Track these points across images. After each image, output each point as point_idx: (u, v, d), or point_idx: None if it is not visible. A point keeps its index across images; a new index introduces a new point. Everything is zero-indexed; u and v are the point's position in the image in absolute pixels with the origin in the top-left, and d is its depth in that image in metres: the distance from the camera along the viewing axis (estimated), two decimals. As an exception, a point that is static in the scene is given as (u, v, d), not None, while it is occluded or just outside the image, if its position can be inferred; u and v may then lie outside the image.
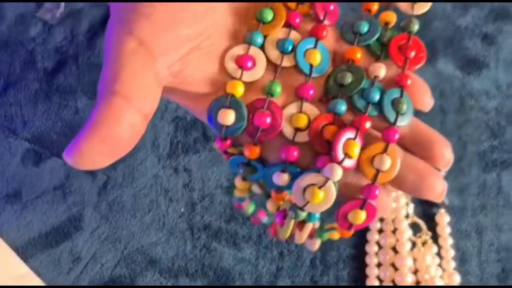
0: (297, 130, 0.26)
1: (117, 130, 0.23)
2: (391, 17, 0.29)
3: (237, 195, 0.29)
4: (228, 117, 0.26)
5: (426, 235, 0.43)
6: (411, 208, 0.43)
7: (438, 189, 0.26)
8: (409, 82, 0.27)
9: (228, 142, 0.27)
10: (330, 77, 0.27)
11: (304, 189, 0.25)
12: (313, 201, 0.25)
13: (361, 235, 0.43)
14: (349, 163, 0.25)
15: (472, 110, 0.45)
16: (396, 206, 0.43)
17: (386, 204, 0.27)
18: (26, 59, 0.47)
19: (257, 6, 0.28)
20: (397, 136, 0.26)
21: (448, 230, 0.43)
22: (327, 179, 0.25)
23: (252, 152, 0.26)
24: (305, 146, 0.26)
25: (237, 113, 0.26)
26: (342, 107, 0.26)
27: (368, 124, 0.26)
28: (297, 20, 0.27)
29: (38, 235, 0.44)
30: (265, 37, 0.27)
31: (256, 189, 0.29)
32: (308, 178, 0.25)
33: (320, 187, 0.25)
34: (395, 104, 0.26)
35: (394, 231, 0.43)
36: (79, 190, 0.44)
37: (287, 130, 0.26)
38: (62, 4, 0.47)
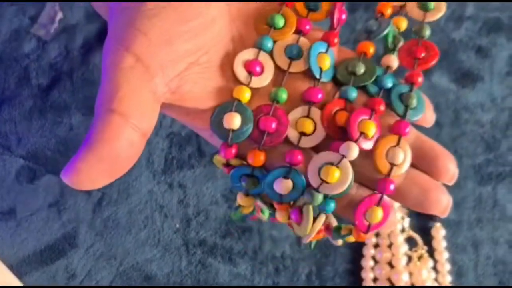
0: (302, 134, 0.26)
1: (115, 149, 0.23)
2: (402, 23, 0.29)
3: (245, 213, 0.29)
4: (234, 120, 0.26)
5: (422, 249, 0.43)
6: (406, 222, 0.43)
7: (442, 203, 0.26)
8: (420, 79, 0.27)
9: (233, 150, 0.26)
10: (340, 66, 0.27)
11: (320, 169, 0.25)
12: (328, 179, 0.25)
13: (357, 250, 0.43)
14: (365, 145, 0.25)
15: (467, 123, 0.45)
16: (392, 220, 0.43)
17: (392, 219, 0.27)
18: (20, 76, 0.46)
19: (261, 16, 0.28)
20: (407, 130, 0.25)
21: (444, 244, 0.43)
22: (343, 156, 0.25)
23: (256, 159, 0.26)
24: (309, 153, 0.26)
25: (243, 117, 0.26)
26: (353, 93, 0.26)
27: (382, 107, 0.26)
28: (307, 27, 0.28)
29: (33, 253, 0.44)
30: (274, 42, 0.28)
31: (260, 204, 0.28)
32: (324, 157, 0.25)
33: (336, 165, 0.25)
34: (404, 98, 0.26)
35: (390, 246, 0.43)
36: (74, 207, 0.44)
37: (292, 135, 0.26)
38: (57, 20, 0.47)
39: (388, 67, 0.27)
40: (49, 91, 0.46)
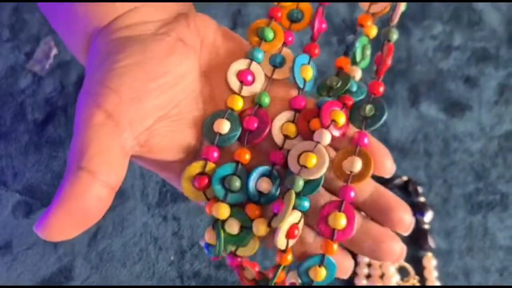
0: (286, 137, 0.29)
1: (84, 204, 0.24)
2: (373, 31, 0.31)
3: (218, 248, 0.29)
4: (223, 126, 0.28)
5: (414, 279, 0.43)
6: (398, 252, 0.44)
7: (395, 252, 0.27)
8: (381, 89, 0.29)
9: (215, 153, 0.28)
10: (321, 82, 0.30)
11: (299, 156, 0.27)
12: (307, 164, 0.27)
13: (349, 281, 0.43)
14: (335, 132, 0.28)
15: (457, 152, 0.46)
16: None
17: (347, 266, 0.28)
18: (16, 111, 0.47)
19: (252, 30, 0.30)
20: (366, 140, 0.28)
21: (435, 273, 0.43)
22: (317, 143, 0.27)
23: (242, 155, 0.28)
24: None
25: (232, 124, 0.28)
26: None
27: (351, 102, 0.29)
28: (290, 39, 0.31)
29: (30, 287, 0.44)
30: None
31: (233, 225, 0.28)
32: (301, 146, 0.28)
33: (312, 151, 0.27)
34: (362, 109, 0.29)
35: (382, 276, 0.43)
36: (70, 240, 0.45)
37: (278, 138, 0.29)
38: (52, 55, 0.48)
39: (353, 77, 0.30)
40: (45, 126, 0.47)
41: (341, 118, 0.28)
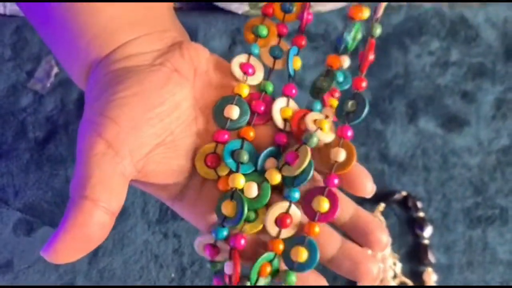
0: (285, 120, 0.31)
1: (87, 231, 0.26)
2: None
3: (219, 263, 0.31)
4: (233, 112, 0.30)
5: (414, 294, 0.43)
6: (398, 267, 0.44)
7: (372, 273, 0.29)
8: (364, 84, 0.31)
9: (226, 136, 0.30)
10: (313, 85, 0.32)
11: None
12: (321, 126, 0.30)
13: (350, 281, 0.43)
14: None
15: (455, 167, 0.46)
16: (383, 267, 0.43)
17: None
18: (17, 129, 0.48)
19: (248, 27, 0.33)
20: (349, 133, 0.30)
21: (436, 289, 0.43)
22: (304, 144, 0.30)
23: (247, 133, 0.30)
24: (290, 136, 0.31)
25: (241, 110, 0.31)
26: (318, 106, 0.32)
27: (338, 94, 0.32)
28: (285, 31, 0.33)
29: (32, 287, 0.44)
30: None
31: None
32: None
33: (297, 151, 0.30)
34: (345, 105, 0.31)
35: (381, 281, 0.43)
36: (70, 258, 0.45)
37: (278, 121, 0.31)
38: (53, 74, 0.48)
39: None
40: (46, 144, 0.47)
41: (326, 125, 0.30)
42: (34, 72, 0.49)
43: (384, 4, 0.32)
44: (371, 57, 0.31)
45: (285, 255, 0.29)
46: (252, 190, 0.29)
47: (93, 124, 0.27)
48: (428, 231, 0.44)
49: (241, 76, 0.32)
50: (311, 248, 0.28)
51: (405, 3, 0.50)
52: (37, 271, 0.45)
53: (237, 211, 0.29)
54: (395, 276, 0.44)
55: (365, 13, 0.32)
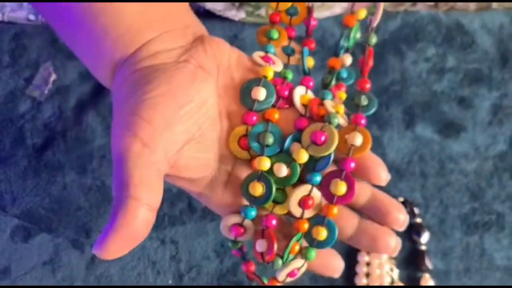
0: (305, 106, 0.33)
1: (134, 229, 0.28)
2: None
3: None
4: (260, 93, 0.32)
5: (412, 300, 0.43)
6: (395, 273, 0.44)
7: (391, 246, 0.32)
8: (368, 85, 0.33)
9: (254, 117, 0.32)
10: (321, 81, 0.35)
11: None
12: (317, 142, 0.31)
13: (350, 280, 0.44)
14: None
15: (452, 173, 0.46)
16: (380, 273, 0.43)
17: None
18: (15, 136, 0.48)
19: (261, 32, 0.35)
20: (363, 121, 0.32)
21: (433, 295, 0.43)
22: (328, 123, 0.32)
23: (272, 115, 0.32)
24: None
25: (267, 91, 0.32)
26: (329, 96, 0.33)
27: (343, 88, 0.34)
28: (293, 33, 0.36)
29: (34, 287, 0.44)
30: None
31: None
32: (314, 125, 0.32)
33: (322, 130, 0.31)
34: (356, 98, 0.33)
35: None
36: (68, 265, 0.45)
37: (300, 107, 0.33)
38: (51, 81, 0.48)
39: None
40: (43, 150, 0.47)
41: (341, 110, 0.33)
42: (32, 78, 0.49)
43: (379, 15, 0.34)
44: (371, 63, 0.34)
45: (307, 234, 0.31)
46: (282, 171, 0.31)
47: (128, 124, 0.29)
48: (425, 237, 0.44)
49: (263, 63, 0.33)
50: (330, 228, 0.31)
51: (402, 8, 0.50)
52: (35, 277, 0.45)
53: (265, 191, 0.31)
54: (392, 282, 0.44)
55: (361, 14, 0.34)
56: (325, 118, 0.32)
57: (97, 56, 0.32)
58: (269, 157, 0.31)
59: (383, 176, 0.32)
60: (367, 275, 0.44)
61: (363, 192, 0.32)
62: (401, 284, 0.44)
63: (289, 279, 0.32)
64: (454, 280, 0.44)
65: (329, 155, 0.31)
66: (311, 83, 0.34)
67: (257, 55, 0.34)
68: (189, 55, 0.31)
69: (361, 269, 0.44)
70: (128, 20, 0.31)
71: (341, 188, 0.30)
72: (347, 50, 0.35)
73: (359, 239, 0.32)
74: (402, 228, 0.32)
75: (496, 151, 0.47)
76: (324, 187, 0.31)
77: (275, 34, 0.35)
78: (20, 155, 0.47)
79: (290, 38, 0.36)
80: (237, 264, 0.44)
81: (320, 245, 0.31)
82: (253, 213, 0.31)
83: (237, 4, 0.48)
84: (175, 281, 0.45)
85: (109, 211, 0.45)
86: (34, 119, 0.48)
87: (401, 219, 0.32)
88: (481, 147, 0.47)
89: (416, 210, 0.45)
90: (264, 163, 0.31)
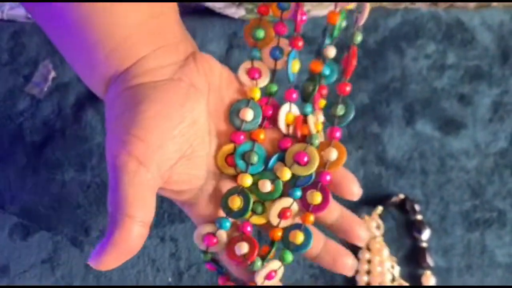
0: (288, 125, 0.34)
1: (129, 245, 0.30)
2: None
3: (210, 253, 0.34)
4: (248, 114, 0.34)
5: (413, 297, 0.43)
6: (396, 271, 0.44)
7: (347, 266, 0.34)
8: (348, 89, 0.34)
9: (242, 136, 0.34)
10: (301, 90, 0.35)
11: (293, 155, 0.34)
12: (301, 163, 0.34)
13: (350, 278, 0.43)
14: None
15: (453, 170, 0.46)
16: (381, 270, 0.43)
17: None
18: (14, 134, 0.48)
19: (247, 31, 0.35)
20: (338, 134, 0.34)
21: (434, 292, 0.43)
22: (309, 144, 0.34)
23: (258, 135, 0.34)
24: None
25: (254, 112, 0.34)
26: (309, 108, 0.34)
27: (325, 91, 0.35)
28: (284, 29, 0.34)
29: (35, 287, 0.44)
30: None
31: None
32: (296, 147, 0.34)
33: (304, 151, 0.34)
34: (333, 109, 0.35)
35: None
36: (67, 263, 0.45)
37: (283, 127, 0.34)
38: (50, 78, 0.48)
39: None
40: (43, 148, 0.47)
41: (320, 128, 0.34)
42: (31, 76, 0.49)
43: (366, 14, 0.33)
44: (354, 63, 0.34)
45: (284, 239, 0.34)
46: (266, 186, 0.33)
47: (123, 142, 0.30)
48: (426, 234, 0.44)
49: (250, 83, 0.34)
50: (307, 233, 0.33)
51: (402, 6, 0.50)
52: (34, 275, 0.45)
53: (243, 205, 0.33)
54: (393, 279, 0.43)
55: (350, 5, 0.34)
56: (307, 139, 0.34)
57: (89, 66, 0.33)
58: (253, 174, 0.34)
59: (355, 191, 0.34)
60: (368, 272, 0.44)
61: (333, 211, 0.34)
62: (402, 281, 0.43)
63: (267, 282, 0.33)
64: (455, 277, 0.44)
65: (311, 174, 0.33)
66: (294, 95, 0.35)
67: (243, 69, 0.34)
68: (182, 73, 0.32)
69: (362, 266, 0.43)
70: (123, 31, 0.31)
71: (316, 198, 0.33)
72: (332, 41, 0.35)
73: (323, 258, 0.34)
74: (363, 243, 0.35)
75: (497, 148, 0.47)
76: (301, 197, 0.34)
77: (260, 34, 0.34)
78: (19, 152, 0.47)
79: (280, 35, 0.35)
80: (237, 261, 0.44)
81: (297, 248, 0.33)
82: (227, 224, 0.33)
83: (237, 2, 0.48)
84: (175, 278, 0.44)
85: (108, 210, 0.45)
86: (33, 116, 0.48)
87: (363, 236, 0.35)
88: (482, 144, 0.47)
89: (417, 207, 0.45)
90: (246, 180, 0.33)
